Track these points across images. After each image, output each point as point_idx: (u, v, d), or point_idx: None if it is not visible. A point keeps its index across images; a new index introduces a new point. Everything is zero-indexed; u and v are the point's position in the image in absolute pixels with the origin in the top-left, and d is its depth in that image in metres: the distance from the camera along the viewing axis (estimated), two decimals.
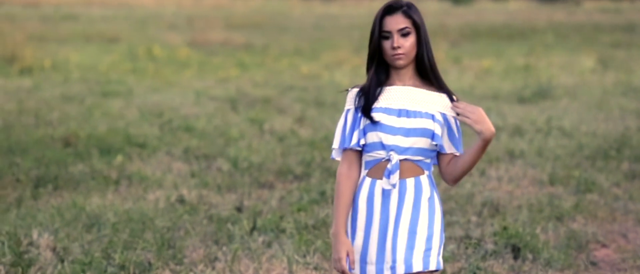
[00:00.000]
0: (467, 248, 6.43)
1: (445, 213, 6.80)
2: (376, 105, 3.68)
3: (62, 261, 6.03)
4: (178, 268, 6.00)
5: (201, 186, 8.27)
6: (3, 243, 6.23)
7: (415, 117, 3.66)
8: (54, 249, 6.27)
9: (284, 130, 11.14)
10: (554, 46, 22.97)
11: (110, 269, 5.89)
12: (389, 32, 3.66)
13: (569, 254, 6.37)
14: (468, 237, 6.67)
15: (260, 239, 6.58)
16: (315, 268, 5.99)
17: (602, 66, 18.75)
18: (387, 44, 3.67)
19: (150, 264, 6.00)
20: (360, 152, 3.75)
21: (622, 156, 9.53)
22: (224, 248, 6.40)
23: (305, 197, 7.78)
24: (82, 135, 10.44)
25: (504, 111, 12.69)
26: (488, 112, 12.37)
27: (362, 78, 3.77)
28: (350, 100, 3.75)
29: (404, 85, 3.72)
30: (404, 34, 3.66)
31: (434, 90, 3.72)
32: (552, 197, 7.94)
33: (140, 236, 6.53)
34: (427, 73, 3.71)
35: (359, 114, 3.70)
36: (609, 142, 10.24)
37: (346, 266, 3.69)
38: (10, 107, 12.71)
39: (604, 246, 6.72)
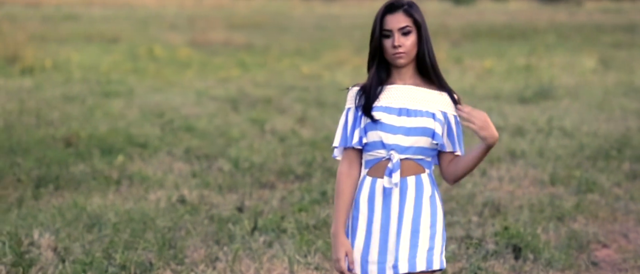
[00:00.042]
0: (468, 248, 6.43)
1: (446, 213, 6.80)
2: (377, 103, 3.68)
3: (63, 261, 6.03)
4: (179, 268, 6.00)
5: (202, 186, 8.27)
6: (4, 243, 6.23)
7: (415, 116, 3.66)
8: (55, 249, 6.27)
9: (285, 130, 11.14)
10: (555, 46, 22.97)
11: (111, 269, 5.89)
12: (390, 31, 3.65)
13: (570, 255, 6.37)
14: (469, 237, 6.67)
15: (261, 239, 6.58)
16: (316, 268, 5.99)
17: (603, 66, 18.75)
18: (388, 43, 3.66)
19: (151, 264, 6.00)
20: (360, 151, 3.75)
21: (623, 156, 9.53)
22: (225, 248, 6.40)
23: (307, 197, 7.78)
24: (83, 135, 10.44)
25: (505, 111, 12.69)
26: (489, 112, 12.37)
27: (363, 78, 3.77)
28: (351, 98, 3.75)
29: (405, 84, 3.72)
30: (405, 32, 3.65)
31: (435, 89, 3.72)
32: (553, 197, 7.94)
33: (141, 236, 6.53)
34: (428, 72, 3.71)
35: (360, 113, 3.70)
36: (610, 142, 10.24)
37: (345, 267, 3.69)
38: (11, 107, 12.71)
39: (605, 246, 6.72)
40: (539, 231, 6.83)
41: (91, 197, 7.79)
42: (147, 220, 6.94)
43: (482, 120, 3.54)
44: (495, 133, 3.57)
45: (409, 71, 3.72)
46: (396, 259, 3.66)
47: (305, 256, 6.20)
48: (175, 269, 5.98)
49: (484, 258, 6.24)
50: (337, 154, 3.80)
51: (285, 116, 12.35)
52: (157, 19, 31.18)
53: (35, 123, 11.37)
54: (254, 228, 6.80)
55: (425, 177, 3.69)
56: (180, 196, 7.80)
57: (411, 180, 3.67)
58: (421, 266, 3.66)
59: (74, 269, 5.84)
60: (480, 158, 3.63)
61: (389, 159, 3.65)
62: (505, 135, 10.71)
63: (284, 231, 6.78)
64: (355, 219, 3.73)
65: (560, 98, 14.17)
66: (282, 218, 7.04)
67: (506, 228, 6.65)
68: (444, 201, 7.36)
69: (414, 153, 3.66)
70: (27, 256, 6.04)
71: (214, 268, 6.00)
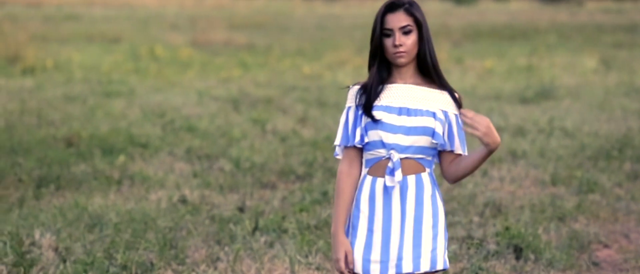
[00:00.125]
0: (469, 248, 6.43)
1: (447, 214, 6.80)
2: (377, 103, 3.67)
3: (64, 261, 6.04)
4: (180, 268, 6.00)
5: (203, 186, 8.27)
6: (5, 243, 6.23)
7: (415, 115, 3.65)
8: (56, 250, 6.27)
9: (286, 130, 11.14)
10: (557, 46, 22.96)
11: (112, 269, 5.89)
12: (391, 30, 3.65)
13: (571, 255, 6.37)
14: (470, 237, 6.67)
15: (263, 239, 6.58)
16: (317, 268, 5.99)
17: (604, 66, 18.74)
18: (388, 42, 3.66)
19: (152, 264, 6.00)
20: (361, 150, 3.74)
21: (624, 156, 9.53)
22: (226, 248, 6.40)
23: (308, 197, 7.79)
24: (85, 135, 10.44)
25: (506, 111, 12.69)
26: (490, 112, 12.38)
27: (364, 78, 3.76)
28: (351, 97, 3.74)
29: (405, 83, 3.71)
30: (406, 31, 3.65)
31: (436, 88, 3.71)
32: (554, 197, 7.94)
33: (143, 236, 6.53)
34: (429, 71, 3.70)
35: (360, 112, 3.69)
36: (611, 143, 10.24)
37: (345, 267, 3.69)
38: (12, 107, 12.71)
39: (606, 246, 6.72)
40: (540, 231, 6.83)
41: (92, 197, 7.79)
42: (148, 220, 6.94)
43: (485, 125, 3.53)
44: (498, 138, 3.56)
45: (410, 70, 3.72)
46: (399, 259, 3.65)
47: (307, 256, 6.20)
48: (176, 270, 5.98)
49: (485, 258, 6.24)
50: (339, 152, 3.80)
51: (287, 116, 12.35)
52: (158, 19, 31.19)
53: (36, 123, 11.38)
54: (255, 228, 6.80)
55: (425, 176, 3.69)
56: (181, 196, 7.80)
57: (411, 179, 3.66)
58: (425, 266, 3.66)
59: (75, 270, 5.84)
60: (481, 162, 3.63)
61: (389, 158, 3.65)
62: (506, 135, 10.71)
63: (285, 231, 6.78)
64: (355, 218, 3.72)
65: (561, 98, 14.17)
66: (283, 218, 7.04)
67: (507, 228, 6.65)
68: (445, 201, 7.36)
69: (414, 153, 3.66)
70: (28, 256, 6.04)
71: (215, 268, 6.01)
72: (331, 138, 10.07)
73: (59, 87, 15.10)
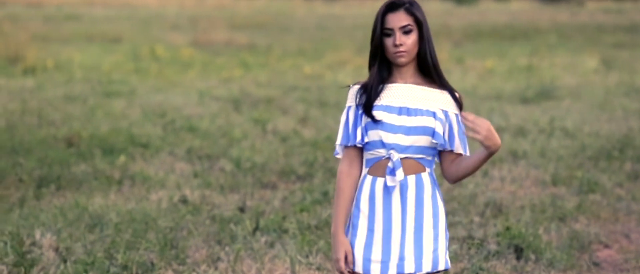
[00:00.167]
0: (469, 248, 6.43)
1: (448, 214, 6.80)
2: (377, 102, 3.67)
3: (65, 261, 6.04)
4: (181, 268, 6.00)
5: (204, 186, 8.28)
6: (6, 243, 6.23)
7: (415, 115, 3.65)
8: (56, 250, 6.27)
9: (287, 130, 11.14)
10: (557, 46, 22.96)
11: (112, 269, 5.89)
12: (391, 30, 3.65)
13: (572, 255, 6.37)
14: (471, 237, 6.67)
15: (263, 239, 6.58)
16: (318, 269, 5.99)
17: (605, 66, 18.74)
18: (389, 42, 3.66)
19: (152, 264, 6.00)
20: (361, 150, 3.74)
21: (625, 156, 9.53)
22: (227, 248, 6.40)
23: (308, 197, 7.79)
24: (85, 135, 10.45)
25: (506, 111, 12.69)
26: (491, 112, 12.38)
27: (365, 78, 3.76)
28: (352, 97, 3.74)
29: (406, 82, 3.71)
30: (406, 31, 3.64)
31: (436, 88, 3.71)
32: (554, 197, 7.94)
33: (143, 236, 6.53)
34: (430, 71, 3.70)
35: (360, 111, 3.69)
36: (611, 143, 10.24)
37: (345, 266, 3.69)
38: (13, 107, 12.72)
39: (606, 246, 6.72)
40: (540, 231, 6.83)
41: (93, 197, 7.79)
42: (149, 220, 6.94)
43: (486, 128, 3.52)
44: (498, 140, 3.55)
45: (410, 70, 3.72)
46: (401, 259, 3.65)
47: (307, 256, 6.20)
48: (176, 270, 5.98)
49: (486, 259, 6.24)
50: (339, 151, 3.80)
51: (287, 116, 12.35)
52: (158, 19, 31.19)
53: (37, 123, 11.38)
54: (256, 228, 6.80)
55: (425, 176, 3.69)
56: (182, 197, 7.80)
57: (411, 179, 3.66)
58: (427, 267, 3.66)
59: (75, 270, 5.84)
60: (481, 163, 3.62)
61: (389, 158, 3.65)
62: (507, 135, 10.71)
63: (286, 231, 6.78)
64: (355, 218, 3.72)
65: (561, 98, 14.16)
66: (284, 218, 7.04)
67: (508, 229, 6.65)
68: (446, 202, 7.36)
69: (414, 153, 3.66)
70: (28, 256, 6.05)
71: (216, 268, 6.01)
72: (332, 138, 10.08)
73: (60, 87, 15.10)
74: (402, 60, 3.65)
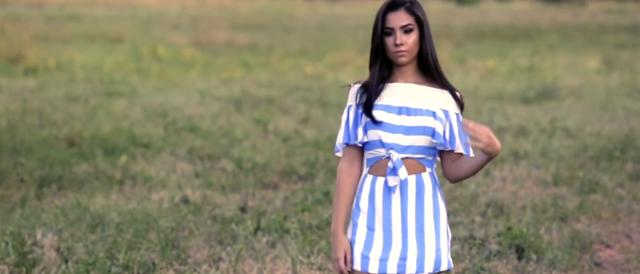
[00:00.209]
0: (471, 248, 6.43)
1: (449, 214, 6.80)
2: (377, 102, 3.67)
3: (66, 261, 6.04)
4: (182, 268, 6.00)
5: (205, 186, 8.28)
6: (7, 243, 6.24)
7: (415, 114, 3.64)
8: (58, 250, 6.27)
9: (288, 130, 11.14)
10: (559, 47, 22.96)
11: (114, 269, 5.89)
12: (392, 29, 3.65)
13: (573, 255, 6.37)
14: (472, 237, 6.67)
15: (264, 239, 6.58)
16: (319, 269, 5.99)
17: (606, 67, 18.73)
18: (389, 41, 3.65)
19: (154, 264, 6.01)
20: (362, 149, 3.74)
21: (627, 157, 9.52)
22: (228, 248, 6.40)
23: (309, 197, 7.79)
24: (86, 135, 10.45)
25: (508, 112, 12.68)
26: (492, 112, 12.37)
27: (366, 77, 3.76)
28: (352, 96, 3.74)
29: (406, 82, 3.70)
30: (407, 30, 3.64)
31: (437, 87, 3.71)
32: (556, 198, 7.93)
33: (144, 236, 6.53)
34: (430, 70, 3.70)
35: (360, 111, 3.69)
36: (613, 143, 10.23)
37: (344, 266, 3.68)
38: (14, 107, 12.72)
39: (608, 246, 6.71)
40: (542, 231, 6.83)
41: (94, 197, 7.79)
42: (150, 220, 6.94)
43: (486, 136, 3.51)
44: (498, 146, 3.54)
45: (411, 69, 3.71)
46: (402, 259, 3.65)
47: (308, 256, 6.20)
48: (178, 270, 5.98)
49: (487, 259, 6.24)
50: (340, 149, 3.79)
51: (289, 116, 12.35)
52: (160, 19, 31.20)
53: (38, 123, 11.38)
54: (257, 228, 6.80)
55: (426, 176, 3.68)
56: (183, 197, 7.80)
57: (411, 179, 3.66)
58: (429, 267, 3.65)
59: (77, 270, 5.84)
60: (481, 166, 3.62)
61: (389, 158, 3.65)
62: (508, 135, 10.70)
63: (287, 231, 6.78)
64: (355, 216, 3.72)
65: (563, 98, 14.16)
66: (285, 218, 7.04)
67: (509, 229, 6.65)
68: (447, 202, 7.36)
69: (414, 153, 3.65)
70: (30, 256, 6.05)
71: (217, 268, 6.01)
72: (333, 138, 10.08)
73: (61, 87, 15.11)
74: (403, 59, 3.65)
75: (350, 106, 3.74)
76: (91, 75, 16.76)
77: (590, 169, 9.02)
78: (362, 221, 3.70)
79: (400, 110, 3.65)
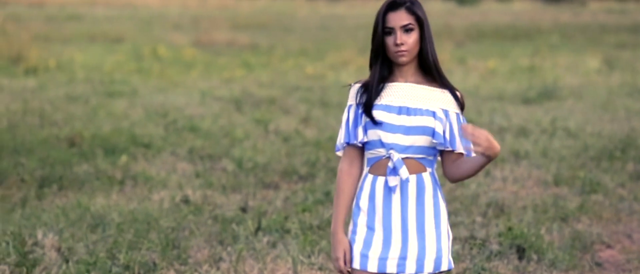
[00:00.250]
0: (472, 248, 6.43)
1: (450, 214, 6.80)
2: (377, 102, 3.67)
3: (67, 261, 6.04)
4: (183, 268, 6.00)
5: (206, 186, 8.27)
6: (8, 243, 6.24)
7: (415, 114, 3.64)
8: (58, 250, 6.27)
9: (289, 130, 11.14)
10: (559, 47, 22.95)
11: (114, 269, 5.89)
12: (392, 28, 3.64)
13: (574, 255, 6.37)
14: (473, 237, 6.67)
15: (265, 239, 6.58)
16: (320, 269, 5.99)
17: (607, 67, 18.73)
18: (390, 40, 3.65)
19: (154, 264, 6.00)
20: (362, 149, 3.74)
21: (627, 157, 9.52)
22: (229, 249, 6.40)
23: (310, 197, 7.79)
24: (87, 135, 10.45)
25: (508, 112, 12.68)
26: (493, 112, 12.37)
27: (367, 77, 3.75)
28: (352, 96, 3.74)
29: (407, 81, 3.70)
30: (407, 30, 3.64)
31: (437, 87, 3.71)
32: (557, 198, 7.93)
33: (145, 236, 6.53)
34: (431, 70, 3.69)
35: (360, 110, 3.69)
36: (614, 143, 10.23)
37: (343, 265, 3.68)
38: (15, 107, 12.72)
39: (608, 247, 6.71)
40: (542, 231, 6.82)
41: (95, 197, 7.79)
42: (151, 220, 6.94)
43: (485, 139, 3.51)
44: (498, 148, 3.53)
45: (411, 69, 3.71)
46: (402, 258, 3.64)
47: (309, 256, 6.19)
48: (178, 270, 5.98)
49: (488, 259, 6.23)
50: (340, 148, 3.79)
51: (289, 116, 12.35)
52: (160, 19, 31.20)
53: (38, 123, 11.38)
54: (258, 229, 6.80)
55: (426, 176, 3.68)
56: (183, 197, 7.80)
57: (412, 178, 3.65)
58: (429, 267, 3.65)
59: (77, 270, 5.84)
60: (481, 168, 3.62)
61: (389, 158, 3.64)
62: (509, 135, 10.70)
63: (288, 231, 6.78)
64: (356, 216, 3.72)
65: (564, 98, 14.15)
66: (286, 218, 7.04)
67: (510, 229, 6.65)
68: (448, 202, 7.36)
69: (414, 153, 3.65)
70: (30, 256, 6.05)
71: (218, 268, 6.01)
72: (334, 138, 10.08)
73: (62, 87, 15.11)
74: (403, 59, 3.65)
75: (350, 106, 3.74)
76: (92, 75, 16.76)
77: (591, 169, 9.01)
78: (362, 220, 3.70)
79: (400, 110, 3.65)
